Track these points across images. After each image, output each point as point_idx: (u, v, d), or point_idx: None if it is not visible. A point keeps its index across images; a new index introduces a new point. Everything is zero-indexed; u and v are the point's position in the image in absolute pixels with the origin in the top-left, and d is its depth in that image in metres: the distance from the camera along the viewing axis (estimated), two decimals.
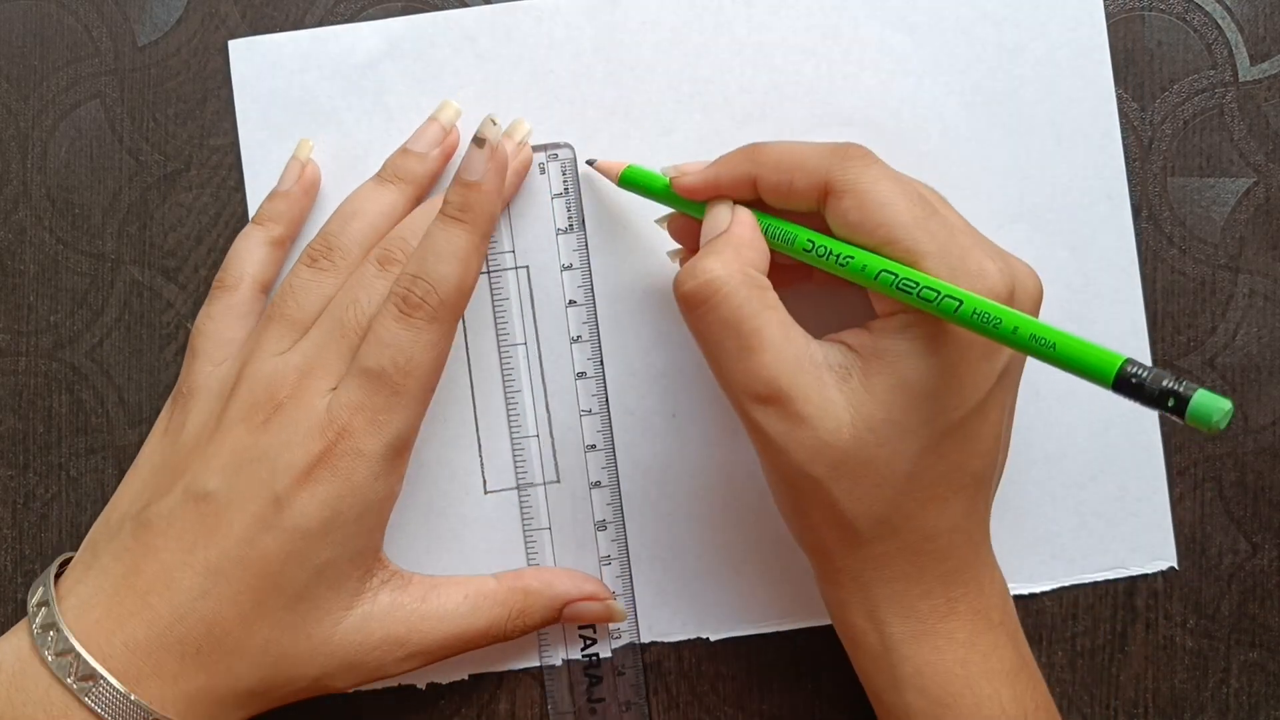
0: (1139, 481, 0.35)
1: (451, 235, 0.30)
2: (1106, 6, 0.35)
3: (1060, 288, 0.35)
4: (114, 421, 0.35)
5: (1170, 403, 0.24)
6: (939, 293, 0.27)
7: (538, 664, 0.35)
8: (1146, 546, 0.35)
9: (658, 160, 0.34)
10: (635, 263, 0.35)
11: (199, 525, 0.30)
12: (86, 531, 0.32)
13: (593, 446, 0.35)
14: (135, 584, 0.29)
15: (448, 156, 0.34)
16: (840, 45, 0.35)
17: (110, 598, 0.29)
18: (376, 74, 0.35)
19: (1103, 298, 0.35)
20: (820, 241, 0.29)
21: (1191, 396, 0.23)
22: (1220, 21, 0.36)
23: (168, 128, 0.35)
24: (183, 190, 0.35)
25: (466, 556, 0.35)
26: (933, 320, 0.28)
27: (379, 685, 0.34)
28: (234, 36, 0.35)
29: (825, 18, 0.35)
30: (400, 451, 0.31)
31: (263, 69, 0.35)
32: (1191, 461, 0.35)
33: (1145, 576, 0.35)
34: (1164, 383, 0.24)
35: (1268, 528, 0.35)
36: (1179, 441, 0.35)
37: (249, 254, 0.34)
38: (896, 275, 0.28)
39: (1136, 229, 0.35)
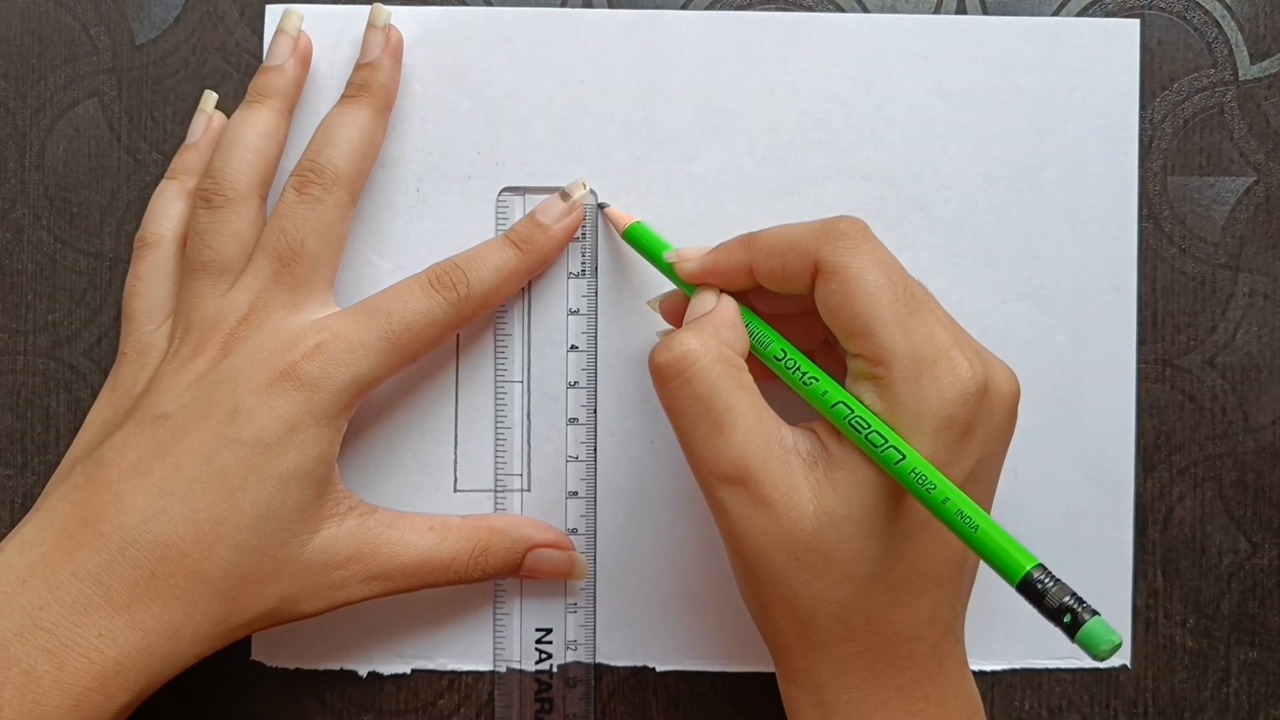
0: (1105, 575, 0.35)
1: (345, 114, 0.32)
2: (1107, 5, 0.35)
3: (1056, 372, 0.35)
4: None
5: (1066, 619, 0.24)
6: (885, 440, 0.27)
7: (489, 668, 0.35)
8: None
9: (674, 187, 0.34)
10: (638, 307, 0.35)
11: (154, 447, 0.29)
12: None
13: (575, 457, 0.35)
14: (85, 515, 0.29)
15: (305, 63, 0.34)
16: (872, 99, 0.35)
17: (58, 532, 0.28)
18: (407, 59, 0.35)
19: (1096, 396, 0.35)
20: (791, 354, 0.29)
21: (1085, 622, 0.24)
22: (1220, 20, 0.36)
23: (166, 126, 0.35)
24: None
25: None
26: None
27: (337, 614, 0.34)
28: (233, 36, 0.35)
29: (861, 69, 0.35)
30: (363, 387, 0.31)
31: (329, 40, 0.35)
32: (1191, 461, 0.35)
33: (1145, 577, 0.35)
34: (1064, 599, 0.24)
35: (1267, 527, 0.35)
36: (1179, 441, 0.35)
37: (166, 209, 0.34)
38: (851, 411, 0.27)
39: (1137, 232, 0.35)
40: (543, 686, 0.34)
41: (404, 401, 0.35)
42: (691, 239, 0.34)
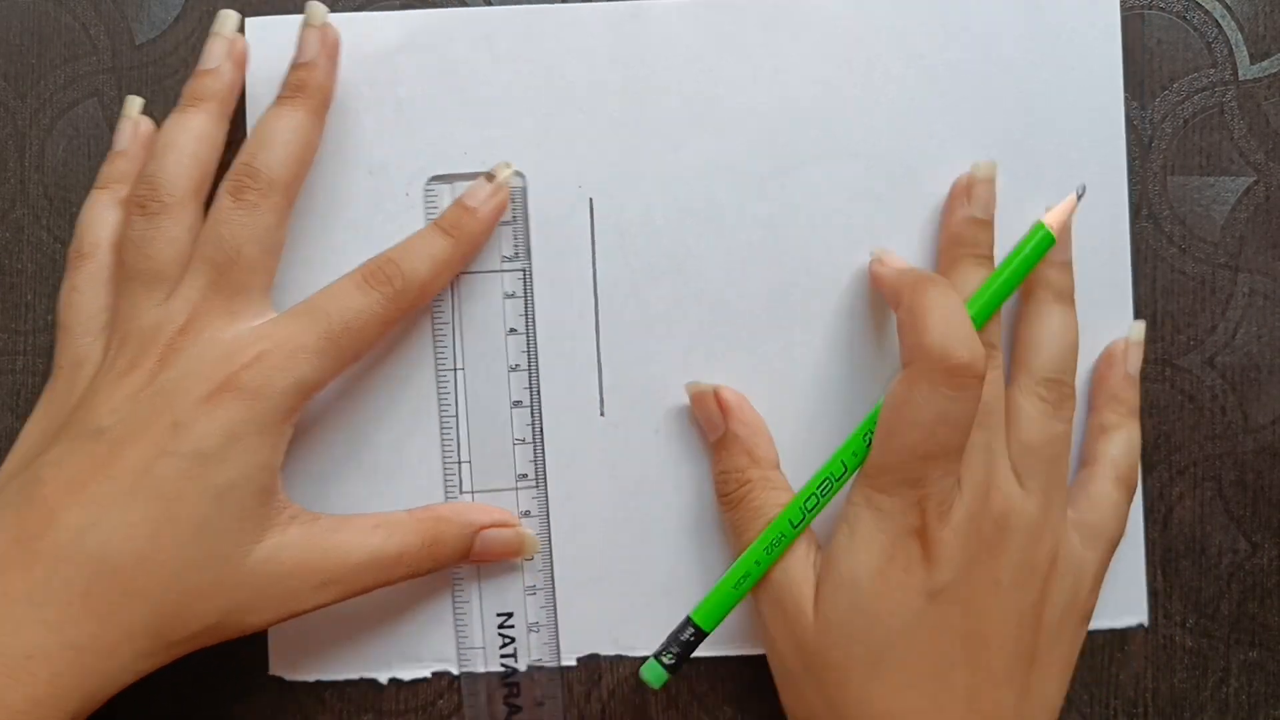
0: (1111, 574, 0.34)
1: (282, 116, 0.32)
2: None
3: None
4: None
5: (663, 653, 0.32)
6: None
7: (455, 670, 0.35)
8: (1121, 602, 0.35)
9: (664, 177, 0.34)
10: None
11: (89, 463, 0.28)
12: None
13: (521, 440, 0.34)
14: (18, 534, 0.28)
15: (241, 67, 0.34)
16: (855, 78, 0.35)
17: None
18: (391, 64, 0.34)
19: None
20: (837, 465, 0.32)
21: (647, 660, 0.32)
22: (1220, 20, 0.36)
23: None
24: None
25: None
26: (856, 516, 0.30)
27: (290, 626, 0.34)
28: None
29: (844, 49, 0.35)
30: (306, 390, 0.30)
31: (276, 50, 0.34)
32: (1191, 461, 0.35)
33: (1145, 577, 0.35)
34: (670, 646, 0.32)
35: (1267, 527, 0.35)
36: (1178, 440, 0.35)
37: (99, 219, 0.33)
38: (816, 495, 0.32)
39: (1134, 230, 0.35)
40: (511, 691, 0.34)
41: (347, 404, 0.34)
42: (685, 229, 0.34)
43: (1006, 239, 0.33)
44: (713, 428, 0.34)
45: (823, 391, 0.35)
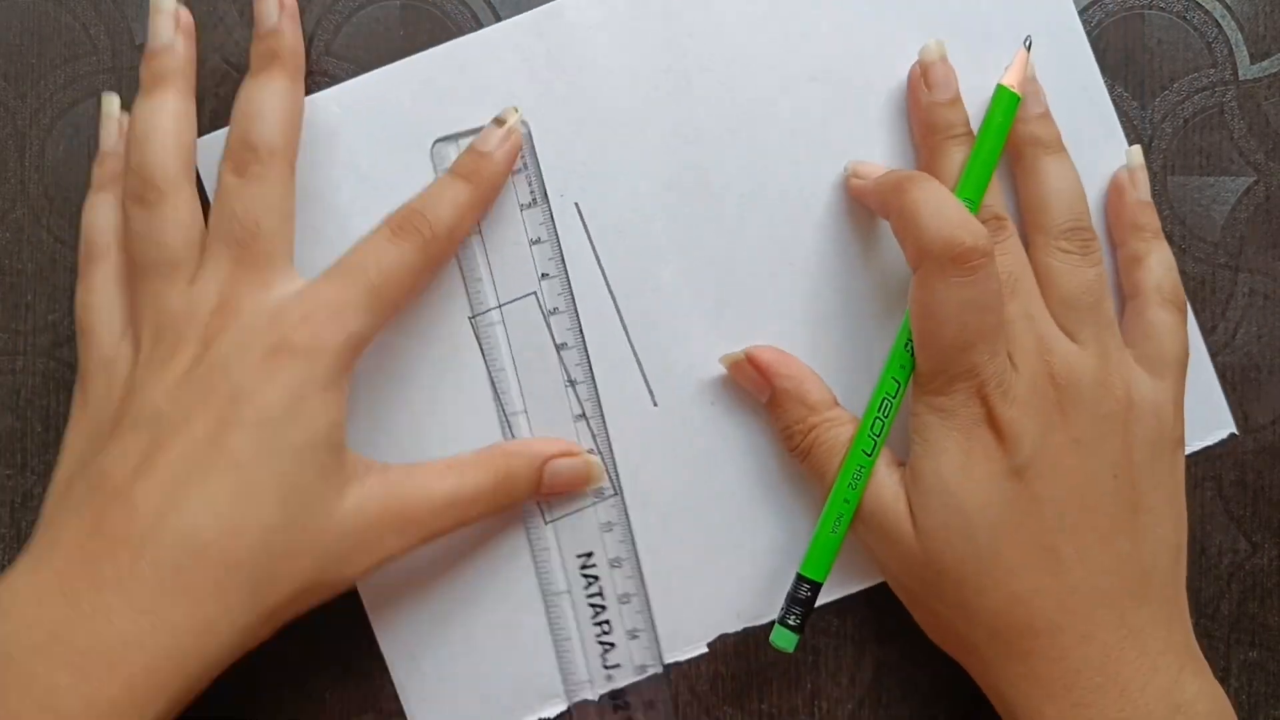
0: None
1: (263, 86, 0.31)
2: (1107, 5, 0.35)
3: None
4: None
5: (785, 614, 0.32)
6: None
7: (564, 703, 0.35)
8: (1205, 420, 0.35)
9: (635, 153, 0.34)
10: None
11: (155, 448, 0.28)
12: None
13: (573, 381, 0.34)
14: (95, 527, 0.27)
15: (192, 38, 0.33)
16: (792, 3, 0.35)
17: (70, 547, 0.27)
18: (343, 140, 0.34)
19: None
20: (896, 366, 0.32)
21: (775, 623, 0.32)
22: (1220, 20, 0.36)
23: None
24: None
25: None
26: (927, 418, 0.31)
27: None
28: (232, 36, 0.35)
29: None
30: (357, 345, 0.30)
31: None
32: (1190, 461, 0.35)
33: None
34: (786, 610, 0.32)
35: (1267, 527, 0.35)
36: None
37: (102, 220, 0.33)
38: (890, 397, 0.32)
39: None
40: (619, 703, 0.34)
41: (389, 361, 0.34)
42: (673, 202, 0.34)
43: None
44: (760, 390, 0.34)
45: (856, 309, 0.35)
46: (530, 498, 0.34)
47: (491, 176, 0.33)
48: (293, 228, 0.31)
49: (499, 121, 0.33)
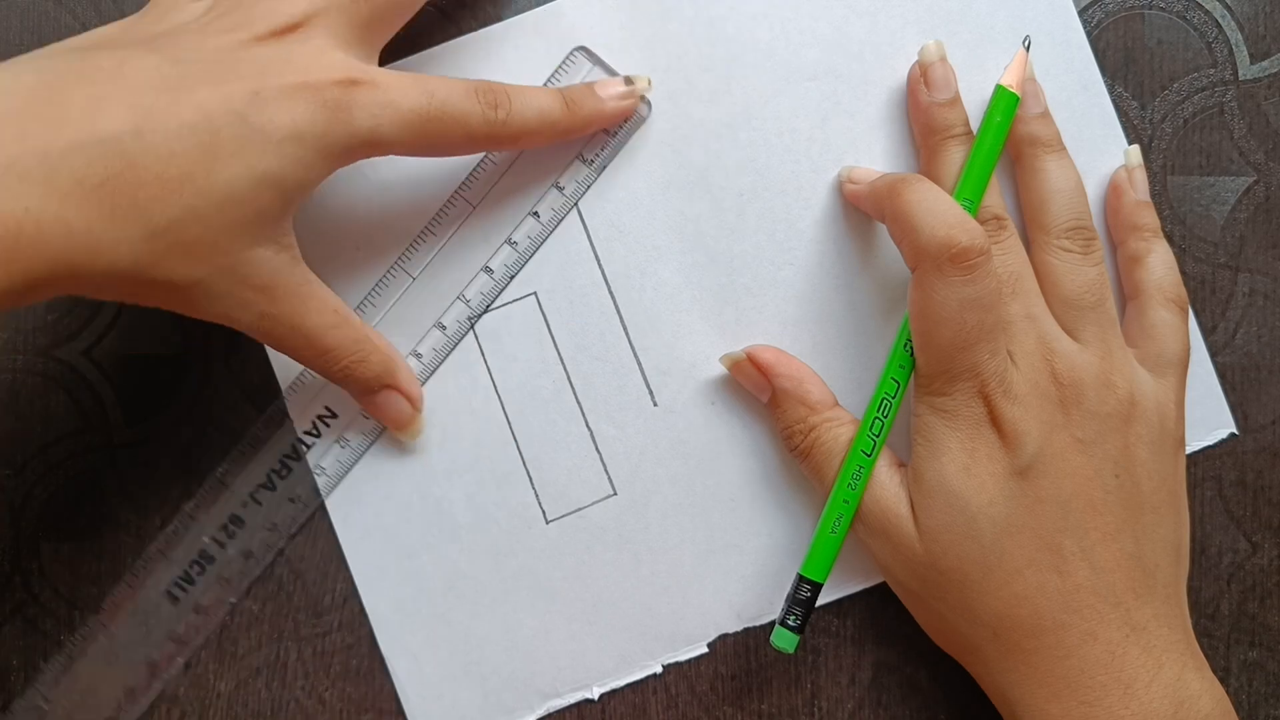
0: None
1: None
2: (1107, 5, 0.35)
3: None
4: (111, 421, 0.35)
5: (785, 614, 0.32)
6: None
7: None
8: (1205, 420, 0.35)
9: (635, 155, 0.34)
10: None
11: (156, 80, 0.27)
12: (84, 531, 0.32)
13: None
14: (55, 96, 0.26)
15: None
16: (791, 2, 0.35)
17: (25, 95, 0.26)
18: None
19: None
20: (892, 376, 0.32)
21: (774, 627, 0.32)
22: (1220, 20, 0.36)
23: None
24: None
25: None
26: (928, 421, 0.31)
27: None
28: None
29: None
30: (377, 145, 0.29)
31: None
32: (1191, 461, 0.35)
33: None
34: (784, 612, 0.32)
35: (1267, 527, 0.35)
36: None
37: None
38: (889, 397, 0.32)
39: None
40: None
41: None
42: (671, 199, 0.34)
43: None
44: (760, 390, 0.34)
45: (856, 309, 0.35)
46: (354, 395, 0.33)
47: (587, 117, 0.33)
48: (402, 22, 0.31)
49: (628, 80, 0.33)
